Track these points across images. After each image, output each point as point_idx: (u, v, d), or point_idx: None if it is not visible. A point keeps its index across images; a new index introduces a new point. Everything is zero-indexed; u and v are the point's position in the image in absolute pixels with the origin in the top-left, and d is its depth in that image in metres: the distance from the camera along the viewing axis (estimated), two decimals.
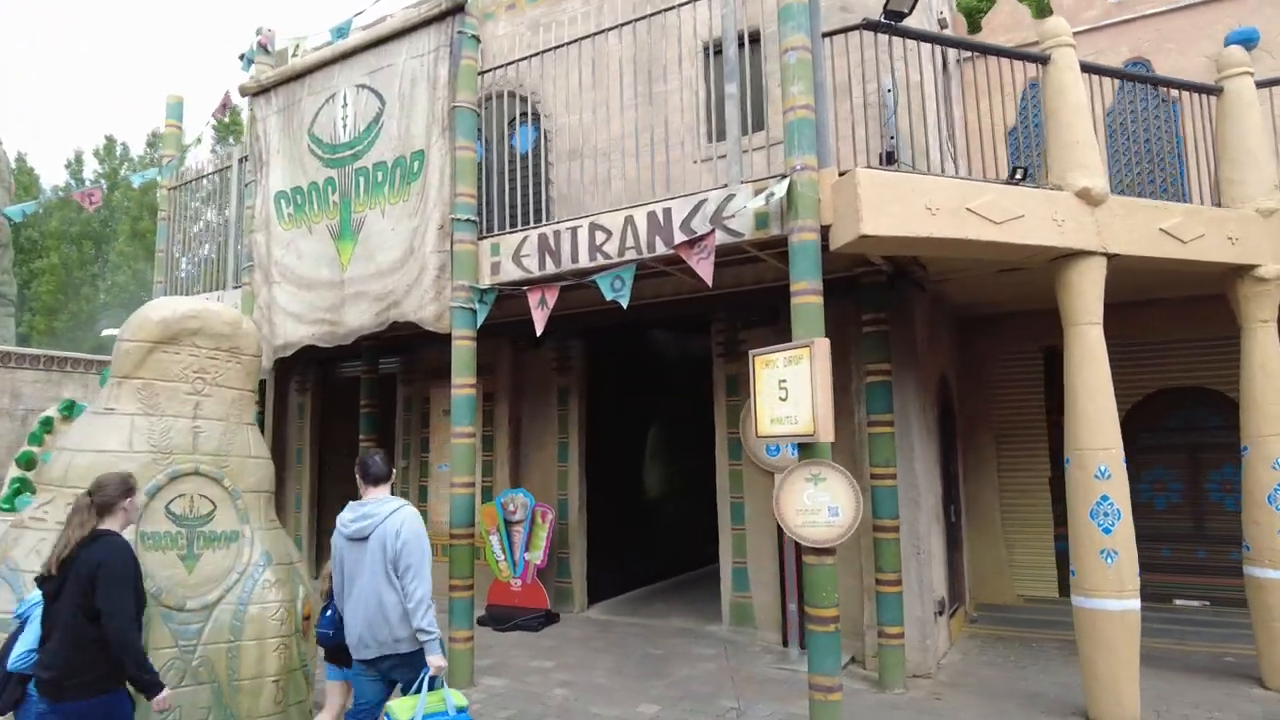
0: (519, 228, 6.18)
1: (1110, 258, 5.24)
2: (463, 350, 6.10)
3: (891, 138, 6.13)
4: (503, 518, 7.68)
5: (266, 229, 7.48)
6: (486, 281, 6.17)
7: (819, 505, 4.53)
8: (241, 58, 8.29)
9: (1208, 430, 7.66)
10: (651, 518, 9.48)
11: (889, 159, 5.54)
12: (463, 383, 6.08)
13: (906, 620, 5.84)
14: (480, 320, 6.11)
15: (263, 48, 7.73)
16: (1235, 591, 7.27)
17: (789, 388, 4.63)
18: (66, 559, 3.20)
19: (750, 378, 4.89)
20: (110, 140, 25.62)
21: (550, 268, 5.88)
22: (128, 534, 4.30)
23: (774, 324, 6.95)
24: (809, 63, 4.95)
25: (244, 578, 4.78)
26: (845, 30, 5.36)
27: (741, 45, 7.19)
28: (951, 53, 7.97)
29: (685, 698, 5.53)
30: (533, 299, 5.80)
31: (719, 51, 6.99)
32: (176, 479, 4.69)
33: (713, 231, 5.09)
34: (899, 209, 4.71)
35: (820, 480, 4.55)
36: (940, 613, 6.30)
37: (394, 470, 4.10)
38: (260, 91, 7.60)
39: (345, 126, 7.04)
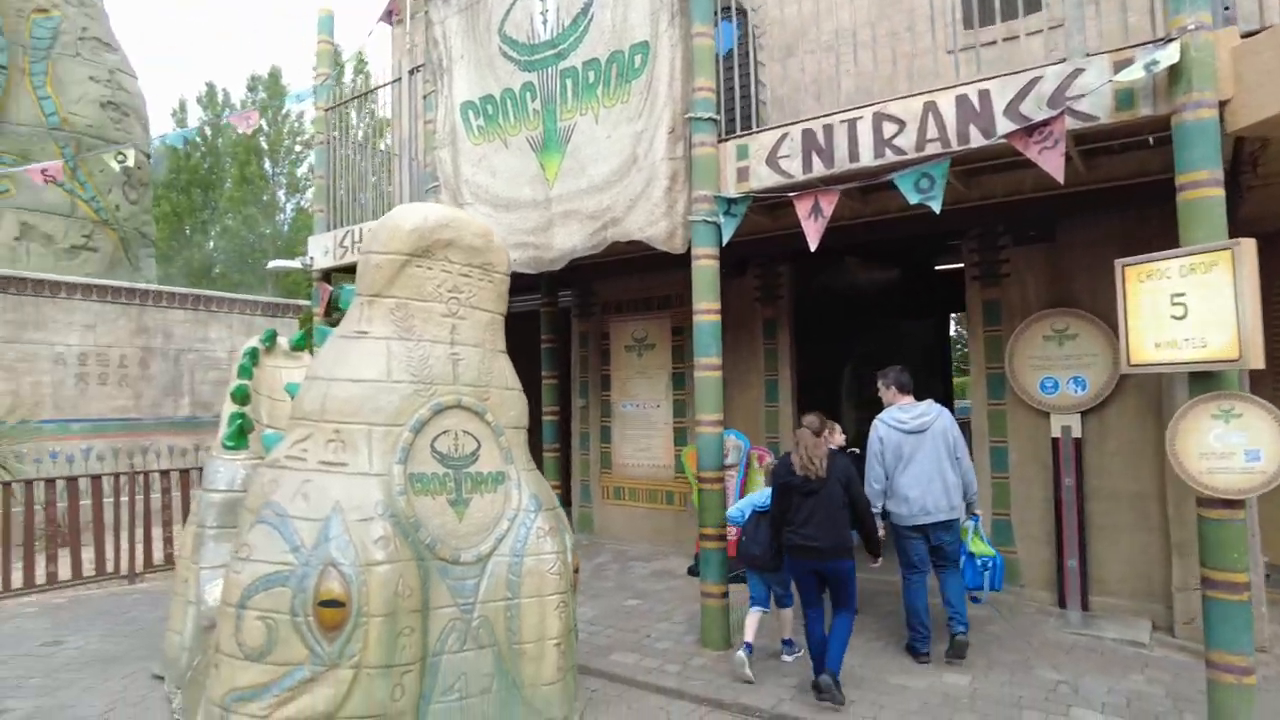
0: (772, 125, 5.31)
1: None
2: (706, 271, 5.32)
3: (1226, 7, 5.02)
4: None
5: (452, 144, 6.78)
6: (732, 190, 5.34)
7: (1232, 448, 3.64)
8: None
9: None
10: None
11: None
12: (707, 308, 5.31)
13: None
14: (727, 235, 5.30)
15: None
16: None
17: (1189, 303, 3.70)
18: (827, 467, 4.45)
19: (1119, 293, 3.98)
20: (210, 87, 25.48)
21: (819, 169, 5.01)
22: (397, 478, 3.77)
23: (1050, 241, 5.97)
24: None
25: (515, 525, 4.18)
26: None
27: None
28: None
29: (993, 666, 4.78)
30: (802, 208, 4.96)
31: None
32: (440, 413, 4.07)
33: (1062, 114, 4.13)
34: None
35: (1234, 417, 3.65)
36: (1268, 575, 5.37)
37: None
38: None
39: (545, 22, 6.23)
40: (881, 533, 4.89)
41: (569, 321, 8.67)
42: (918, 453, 4.89)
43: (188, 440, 11.12)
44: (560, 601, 4.15)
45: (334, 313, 10.24)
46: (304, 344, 5.69)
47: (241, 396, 5.00)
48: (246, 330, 11.82)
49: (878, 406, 5.28)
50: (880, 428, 5.03)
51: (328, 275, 8.30)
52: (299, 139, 23.61)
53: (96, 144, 10.98)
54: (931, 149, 4.60)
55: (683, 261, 7.35)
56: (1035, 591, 5.95)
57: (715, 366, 5.34)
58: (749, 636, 4.81)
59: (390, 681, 3.54)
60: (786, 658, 5.03)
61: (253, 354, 5.31)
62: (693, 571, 7.03)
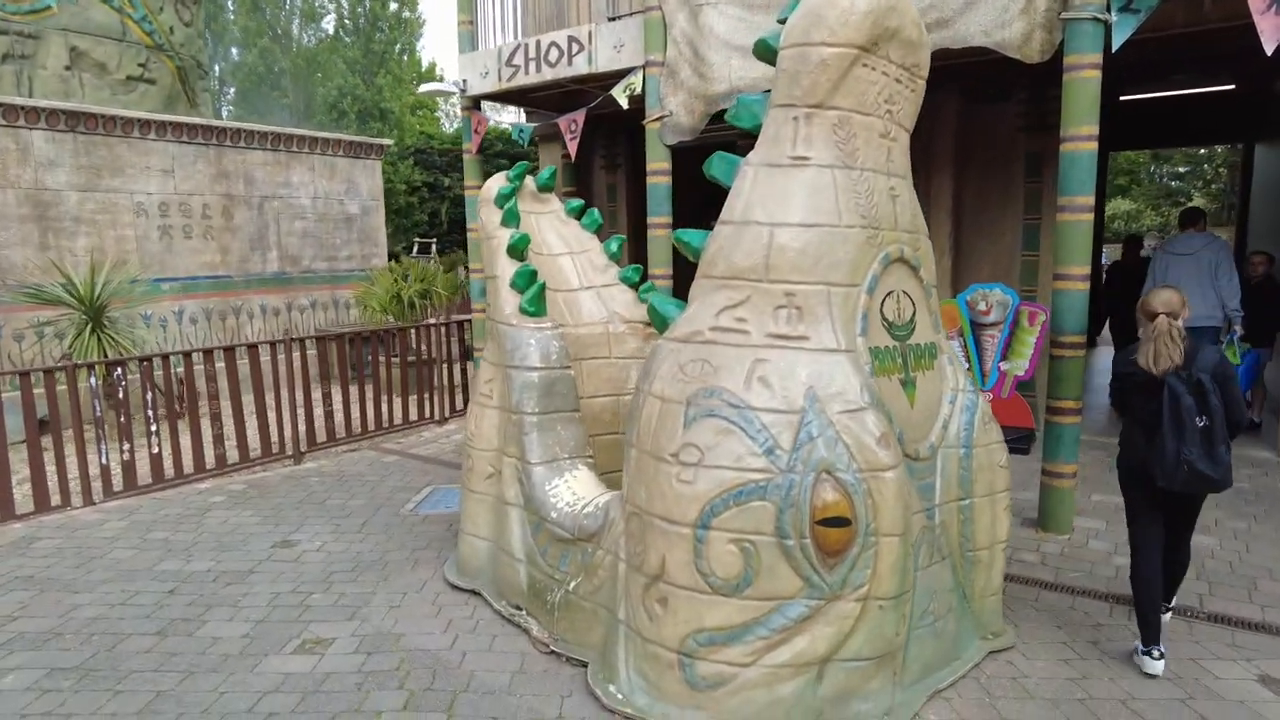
0: None
1: None
2: (1086, 85, 4.20)
3: None
4: (967, 318, 6.12)
5: None
6: None
7: None
8: None
9: None
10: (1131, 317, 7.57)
11: None
12: (1084, 133, 4.24)
13: None
14: (1122, 37, 4.15)
15: None
16: None
17: None
18: None
19: None
20: None
21: None
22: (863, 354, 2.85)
23: None
24: None
25: (956, 410, 3.32)
26: None
27: None
28: None
29: None
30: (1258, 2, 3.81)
31: None
32: (887, 268, 3.10)
33: None
34: None
35: None
36: None
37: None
38: None
39: None
40: None
41: None
42: (1179, 272, 5.91)
43: (279, 298, 10.06)
44: (1009, 499, 3.38)
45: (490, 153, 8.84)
46: (551, 184, 4.62)
47: (524, 249, 3.96)
48: (330, 173, 10.48)
49: None
50: (1156, 254, 6.33)
51: (477, 102, 7.00)
52: None
53: None
54: None
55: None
56: None
57: (1087, 208, 4.34)
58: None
59: (898, 614, 2.78)
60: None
61: (509, 195, 4.23)
62: None
